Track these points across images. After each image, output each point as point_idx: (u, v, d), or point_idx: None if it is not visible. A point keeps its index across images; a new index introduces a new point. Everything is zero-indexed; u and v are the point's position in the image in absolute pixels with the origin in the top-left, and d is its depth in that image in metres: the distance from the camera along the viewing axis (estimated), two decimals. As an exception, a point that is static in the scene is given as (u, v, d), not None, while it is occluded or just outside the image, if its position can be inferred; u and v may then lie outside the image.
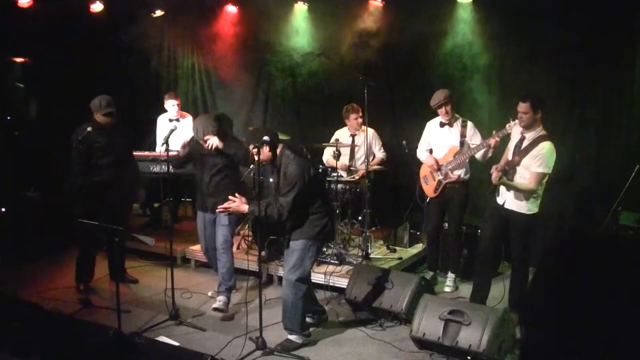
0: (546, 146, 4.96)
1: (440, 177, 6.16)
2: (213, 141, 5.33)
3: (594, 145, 6.58)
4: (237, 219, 5.69)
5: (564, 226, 6.64)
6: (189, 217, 8.25)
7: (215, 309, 5.54)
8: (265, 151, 4.71)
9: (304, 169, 4.73)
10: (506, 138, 5.47)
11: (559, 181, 6.24)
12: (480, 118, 6.57)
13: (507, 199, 5.19)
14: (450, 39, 7.01)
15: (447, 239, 6.50)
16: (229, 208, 4.85)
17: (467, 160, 6.05)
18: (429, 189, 6.32)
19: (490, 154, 5.82)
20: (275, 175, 4.85)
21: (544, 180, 5.04)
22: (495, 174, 5.04)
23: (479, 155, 5.89)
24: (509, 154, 5.25)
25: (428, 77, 6.95)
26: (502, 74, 6.96)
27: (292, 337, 4.97)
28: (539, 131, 5.05)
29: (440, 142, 6.19)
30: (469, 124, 6.08)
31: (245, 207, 4.82)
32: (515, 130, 5.24)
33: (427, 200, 6.40)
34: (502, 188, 5.19)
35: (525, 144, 5.07)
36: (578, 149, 6.60)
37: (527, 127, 5.04)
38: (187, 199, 8.19)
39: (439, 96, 6.02)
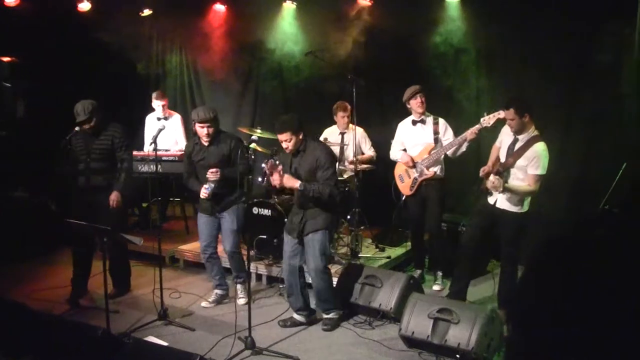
0: (541, 147, 4.97)
1: (416, 175, 6.16)
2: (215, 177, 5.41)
3: (583, 143, 6.60)
4: (243, 224, 5.76)
5: (552, 224, 6.51)
6: (177, 216, 8.22)
7: (242, 303, 5.65)
8: (300, 139, 5.01)
9: (333, 154, 5.19)
10: (490, 136, 5.49)
11: (547, 179, 6.21)
12: (469, 115, 6.56)
13: (498, 198, 5.18)
14: (439, 37, 6.99)
15: (431, 238, 6.49)
16: (280, 180, 4.94)
17: (442, 157, 6.07)
18: (404, 187, 6.33)
19: (463, 150, 5.88)
20: (297, 163, 5.06)
21: (541, 181, 5.06)
22: (496, 180, 4.94)
23: (450, 152, 5.94)
24: (501, 156, 5.23)
25: (417, 75, 6.90)
26: (492, 72, 6.98)
27: (331, 314, 5.32)
28: (531, 132, 5.05)
29: (414, 140, 6.20)
30: (441, 120, 6.10)
31: (297, 184, 4.97)
32: (506, 131, 5.24)
33: (403, 198, 6.41)
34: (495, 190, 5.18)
35: (518, 145, 5.08)
36: (567, 146, 6.61)
37: (518, 131, 5.06)
38: (176, 199, 8.15)
39: (414, 87, 6.05)
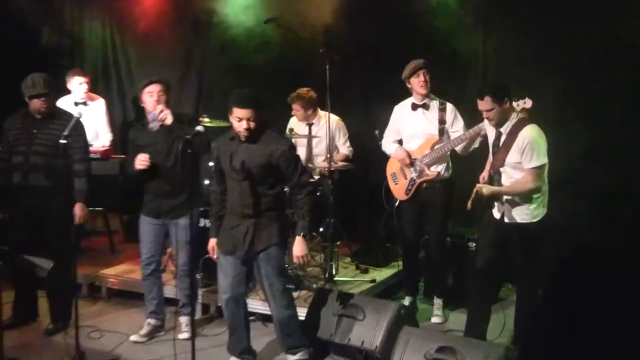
0: (530, 132, 5.02)
1: (414, 175, 6.14)
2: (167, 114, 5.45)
3: (614, 134, 6.62)
4: (198, 236, 5.82)
5: (576, 238, 6.37)
6: (99, 231, 8.14)
7: (185, 337, 5.64)
8: (258, 122, 4.97)
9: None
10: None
11: (568, 182, 6.36)
12: (467, 106, 6.44)
13: (505, 210, 5.21)
14: (438, 3, 7.08)
15: (429, 255, 6.51)
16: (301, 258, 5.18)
17: (449, 153, 6.06)
18: (398, 189, 6.30)
19: (476, 145, 5.95)
20: (246, 156, 5.02)
21: (545, 174, 5.10)
22: (478, 190, 5.12)
23: (459, 147, 5.96)
24: (490, 157, 5.37)
25: (410, 50, 6.87)
26: (504, 45, 7.10)
27: (299, 355, 5.28)
28: (514, 118, 5.12)
29: (413, 130, 6.15)
30: (449, 106, 6.08)
31: (303, 249, 5.14)
32: (487, 127, 5.36)
33: (397, 204, 6.41)
34: (495, 200, 5.27)
35: (503, 139, 5.16)
36: (594, 139, 6.61)
37: (500, 122, 5.14)
38: (97, 208, 7.84)
39: (416, 61, 5.98)
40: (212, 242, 5.26)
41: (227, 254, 5.15)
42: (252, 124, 4.90)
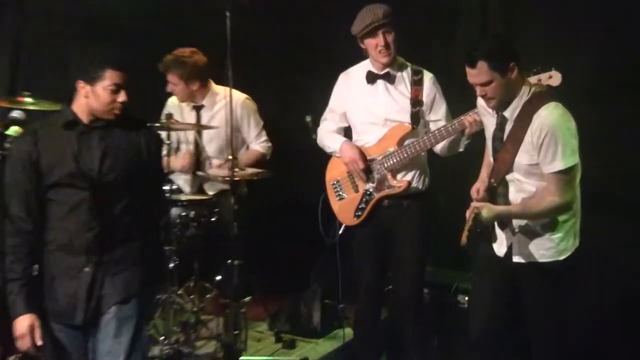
0: (551, 116, 4.75)
1: (370, 186, 5.84)
2: None
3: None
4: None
5: (627, 284, 6.44)
6: None
7: None
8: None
9: None
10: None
11: (611, 194, 6.39)
12: (459, 87, 6.33)
13: (514, 244, 5.04)
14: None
15: (396, 316, 6.33)
16: None
17: (424, 152, 5.84)
18: (344, 208, 6.03)
19: (462, 146, 5.83)
20: (100, 149, 4.69)
21: (577, 180, 4.82)
22: (474, 210, 4.90)
23: (439, 147, 5.78)
24: (489, 158, 5.27)
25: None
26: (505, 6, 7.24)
27: None
28: (524, 94, 4.87)
29: (369, 115, 5.89)
30: (427, 77, 5.84)
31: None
32: (484, 105, 5.14)
33: (340, 231, 6.19)
34: (498, 227, 5.17)
35: (509, 127, 4.92)
36: None
37: (502, 102, 4.89)
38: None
39: (373, 13, 5.61)
40: (28, 320, 4.51)
41: (61, 321, 4.62)
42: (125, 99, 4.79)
